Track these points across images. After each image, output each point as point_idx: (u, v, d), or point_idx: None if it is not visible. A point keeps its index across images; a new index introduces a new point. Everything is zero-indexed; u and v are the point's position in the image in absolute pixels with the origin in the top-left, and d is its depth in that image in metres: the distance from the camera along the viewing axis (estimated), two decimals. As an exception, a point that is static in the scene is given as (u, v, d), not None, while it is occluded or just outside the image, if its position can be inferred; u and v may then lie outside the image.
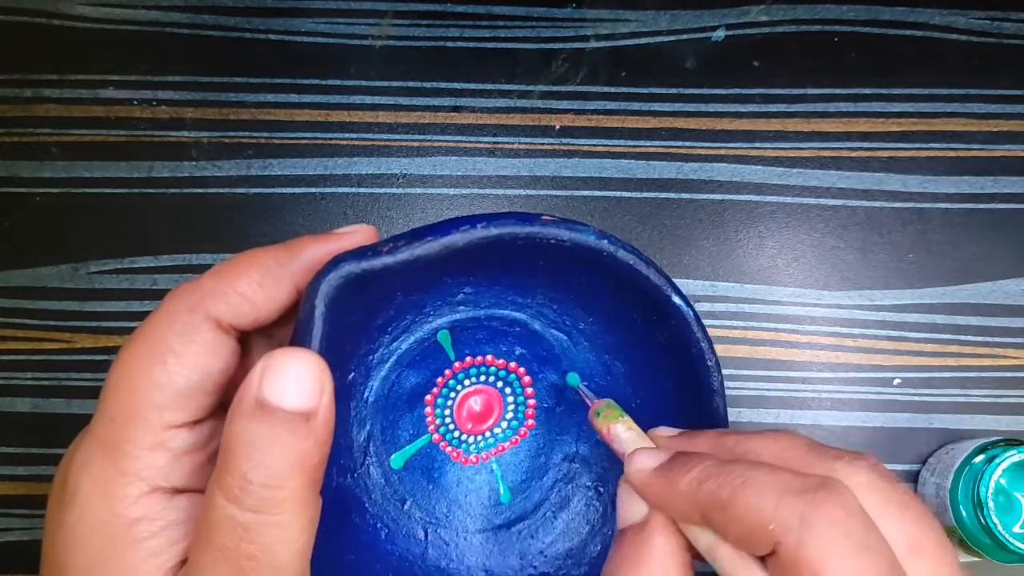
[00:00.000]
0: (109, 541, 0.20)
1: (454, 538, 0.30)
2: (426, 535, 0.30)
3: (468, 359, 0.31)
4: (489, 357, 0.31)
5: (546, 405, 0.31)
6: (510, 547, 0.30)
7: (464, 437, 0.31)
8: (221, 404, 0.22)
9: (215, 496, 0.19)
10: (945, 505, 0.37)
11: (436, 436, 0.31)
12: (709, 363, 0.27)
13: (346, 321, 0.25)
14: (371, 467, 0.29)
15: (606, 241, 0.25)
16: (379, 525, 0.29)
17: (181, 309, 0.21)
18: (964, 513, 0.36)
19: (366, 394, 0.29)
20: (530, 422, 0.31)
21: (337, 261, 0.22)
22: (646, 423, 0.29)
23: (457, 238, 0.23)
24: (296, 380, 0.19)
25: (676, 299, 0.26)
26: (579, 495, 0.30)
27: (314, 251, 0.23)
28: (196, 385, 0.21)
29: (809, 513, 0.18)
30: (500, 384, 0.31)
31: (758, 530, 0.19)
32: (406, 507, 0.30)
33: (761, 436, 0.22)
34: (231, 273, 0.22)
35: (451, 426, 0.31)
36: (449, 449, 0.31)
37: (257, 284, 0.22)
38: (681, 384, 0.28)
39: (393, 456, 0.30)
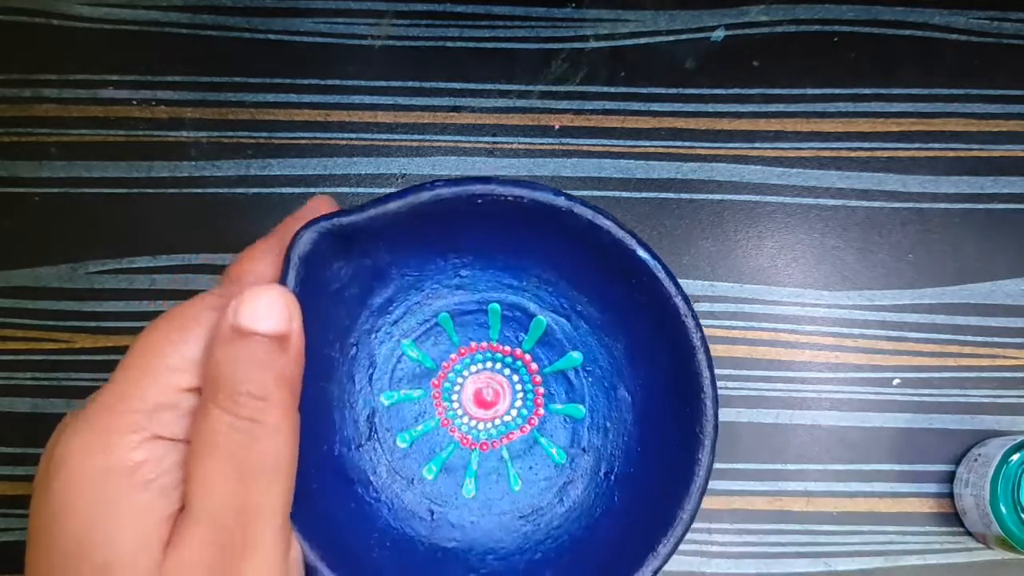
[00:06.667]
0: (109, 491, 0.21)
1: (460, 520, 0.30)
2: (432, 515, 0.30)
3: (473, 344, 0.31)
4: (494, 344, 0.31)
5: (553, 392, 0.31)
6: (518, 532, 0.30)
7: (472, 423, 0.31)
8: None
9: (211, 409, 0.21)
10: (989, 518, 0.37)
11: (444, 420, 0.31)
12: (685, 317, 0.27)
13: (333, 288, 0.27)
14: (377, 443, 0.30)
15: (563, 197, 0.26)
16: (383, 499, 0.30)
17: (208, 297, 0.23)
18: (1010, 523, 0.36)
19: (370, 371, 0.30)
20: (540, 411, 0.31)
21: (310, 223, 0.25)
22: (644, 398, 0.30)
23: (423, 195, 0.25)
24: (267, 308, 0.22)
25: (641, 252, 0.27)
26: (589, 482, 0.31)
27: (301, 218, 0.25)
28: None
29: None
30: (507, 372, 0.31)
31: None
32: (413, 486, 0.30)
33: None
34: (245, 259, 0.25)
35: (459, 411, 0.31)
36: (457, 434, 0.31)
37: (265, 262, 0.25)
38: (669, 352, 0.28)
39: (399, 435, 0.30)
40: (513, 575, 0.29)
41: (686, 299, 0.27)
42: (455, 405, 0.31)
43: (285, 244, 0.25)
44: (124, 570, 0.21)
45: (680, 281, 0.41)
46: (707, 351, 0.27)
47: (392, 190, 0.26)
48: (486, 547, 0.30)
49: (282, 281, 0.24)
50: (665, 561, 0.26)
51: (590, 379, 0.31)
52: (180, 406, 0.22)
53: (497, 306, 0.31)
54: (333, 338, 0.28)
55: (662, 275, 0.27)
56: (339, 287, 0.27)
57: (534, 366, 0.31)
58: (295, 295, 0.23)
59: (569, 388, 0.31)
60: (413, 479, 0.30)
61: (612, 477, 0.30)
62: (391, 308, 0.30)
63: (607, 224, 0.27)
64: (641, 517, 0.28)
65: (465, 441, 0.31)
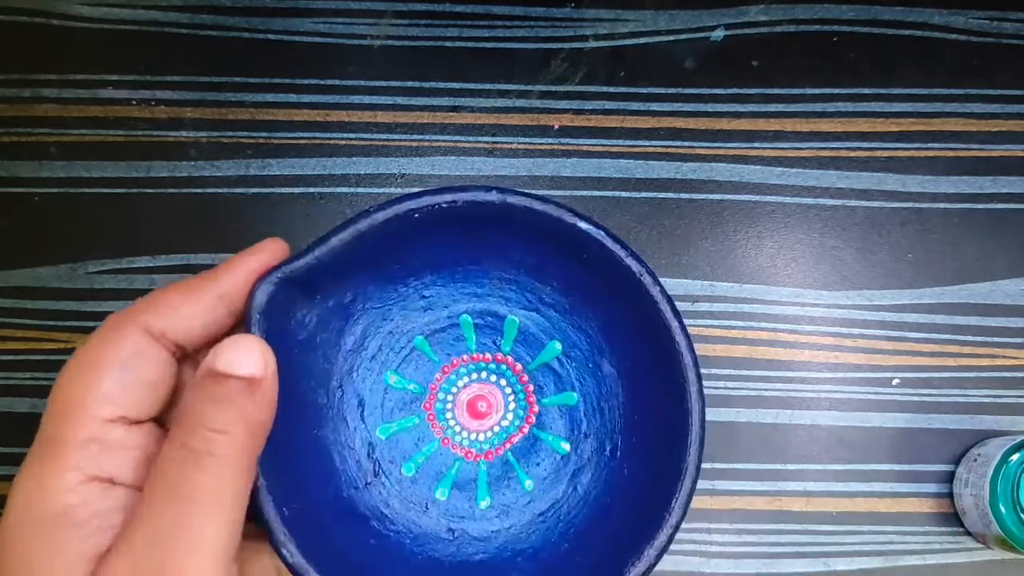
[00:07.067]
0: (44, 529, 0.22)
1: (482, 533, 0.30)
2: (453, 534, 0.30)
3: (454, 360, 0.31)
4: (474, 354, 0.31)
5: (543, 385, 0.31)
6: (540, 530, 0.30)
7: (472, 436, 0.31)
8: (166, 413, 0.24)
9: (171, 440, 0.22)
10: (988, 518, 0.37)
11: (444, 440, 0.31)
12: (641, 275, 0.27)
13: (302, 337, 0.27)
14: (384, 477, 0.30)
15: (495, 192, 0.26)
16: (402, 530, 0.30)
17: (109, 324, 0.23)
18: (1010, 523, 0.36)
19: (360, 409, 0.30)
20: (534, 407, 0.32)
21: (263, 276, 0.25)
22: (629, 368, 0.30)
23: (361, 224, 0.26)
24: (242, 354, 0.22)
25: (582, 225, 0.27)
26: (597, 463, 0.31)
27: (234, 263, 0.25)
28: (128, 382, 0.23)
29: None
30: (494, 378, 0.31)
31: None
32: (427, 511, 0.30)
33: None
34: (159, 290, 0.24)
35: (456, 427, 0.31)
36: (460, 450, 0.31)
37: (182, 295, 0.24)
38: (636, 315, 0.28)
39: (404, 465, 0.31)
40: (545, 572, 0.29)
41: (638, 259, 0.27)
42: (451, 422, 0.31)
43: (220, 284, 0.25)
44: None
45: (679, 281, 0.42)
46: (671, 302, 0.27)
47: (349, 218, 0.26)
48: (513, 551, 0.30)
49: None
50: (680, 517, 0.27)
51: (574, 364, 0.31)
52: (106, 439, 0.22)
53: (468, 317, 0.31)
54: (315, 384, 0.29)
55: (608, 242, 0.27)
56: (308, 335, 0.27)
57: (518, 366, 0.32)
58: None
59: (556, 378, 0.31)
60: (427, 504, 0.30)
61: (618, 453, 0.30)
62: (365, 343, 0.30)
63: (544, 207, 0.27)
64: (652, 482, 0.28)
65: (469, 455, 0.31)
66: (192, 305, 0.24)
